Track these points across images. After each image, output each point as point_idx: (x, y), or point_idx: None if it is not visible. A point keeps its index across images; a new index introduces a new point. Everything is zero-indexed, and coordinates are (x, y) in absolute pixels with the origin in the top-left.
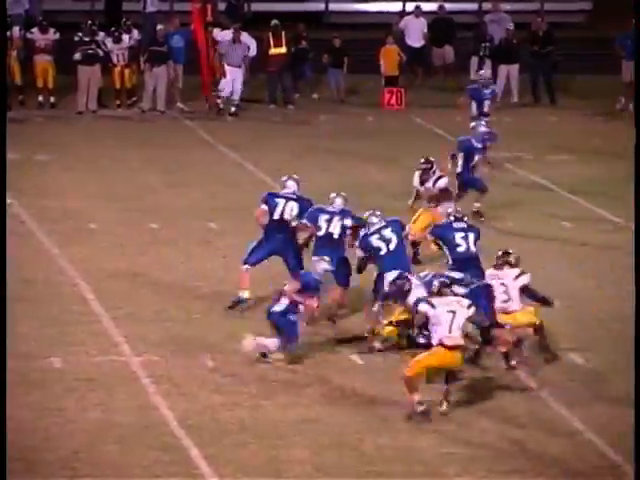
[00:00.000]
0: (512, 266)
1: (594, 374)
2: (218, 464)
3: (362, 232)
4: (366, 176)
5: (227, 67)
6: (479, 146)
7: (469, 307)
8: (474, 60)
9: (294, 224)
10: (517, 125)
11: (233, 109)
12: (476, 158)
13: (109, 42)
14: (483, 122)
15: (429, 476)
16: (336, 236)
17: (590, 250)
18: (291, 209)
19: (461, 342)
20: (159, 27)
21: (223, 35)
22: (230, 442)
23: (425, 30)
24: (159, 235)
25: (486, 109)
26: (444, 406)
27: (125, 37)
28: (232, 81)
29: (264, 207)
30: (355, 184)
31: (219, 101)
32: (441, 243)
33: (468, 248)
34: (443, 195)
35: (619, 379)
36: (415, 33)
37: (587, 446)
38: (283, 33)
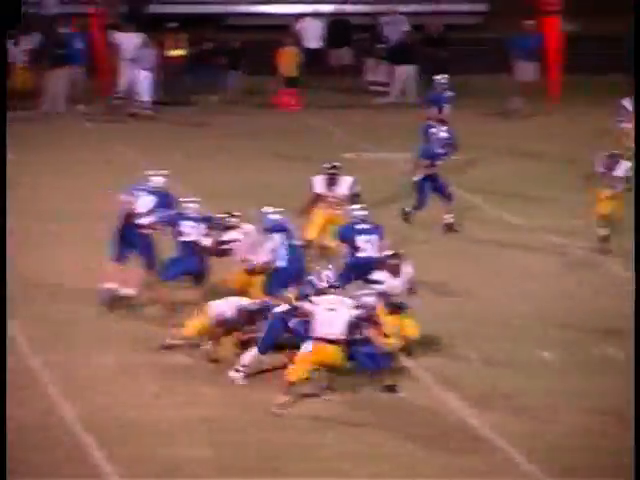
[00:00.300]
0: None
1: (488, 369)
2: (119, 464)
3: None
4: (262, 176)
5: (135, 69)
6: (441, 152)
7: (355, 307)
8: (370, 61)
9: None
10: (412, 125)
11: (135, 110)
12: (437, 164)
13: (9, 44)
14: (444, 128)
15: (326, 473)
16: (201, 243)
17: (487, 249)
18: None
19: (341, 338)
20: (59, 29)
21: (127, 38)
22: (131, 441)
23: (322, 32)
24: (55, 235)
25: (445, 115)
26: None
27: (25, 39)
28: (136, 82)
29: (126, 198)
30: (250, 184)
31: (120, 102)
32: (344, 245)
33: (370, 250)
34: (352, 199)
35: (511, 374)
36: (312, 35)
37: (486, 443)
38: (182, 36)
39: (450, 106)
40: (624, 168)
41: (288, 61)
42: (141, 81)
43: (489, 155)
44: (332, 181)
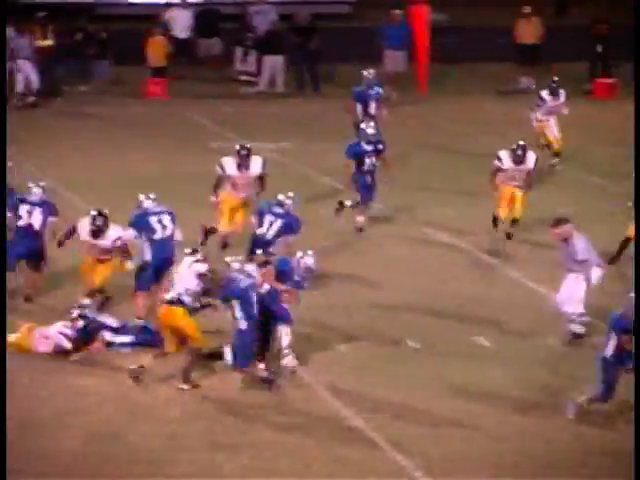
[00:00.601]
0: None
1: (360, 363)
2: None
3: (137, 211)
4: (129, 165)
5: (19, 60)
6: (369, 149)
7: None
8: (239, 51)
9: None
10: (282, 115)
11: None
12: (367, 161)
13: None
14: (371, 124)
15: (196, 464)
16: (37, 227)
17: (356, 236)
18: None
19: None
20: None
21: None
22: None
23: (191, 21)
24: None
25: (372, 111)
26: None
27: None
28: (26, 74)
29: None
30: (117, 173)
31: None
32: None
33: (164, 231)
34: (261, 179)
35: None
36: (181, 24)
37: (352, 432)
38: (50, 26)
39: (376, 103)
40: (532, 160)
41: (156, 51)
42: (29, 71)
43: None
44: (244, 162)
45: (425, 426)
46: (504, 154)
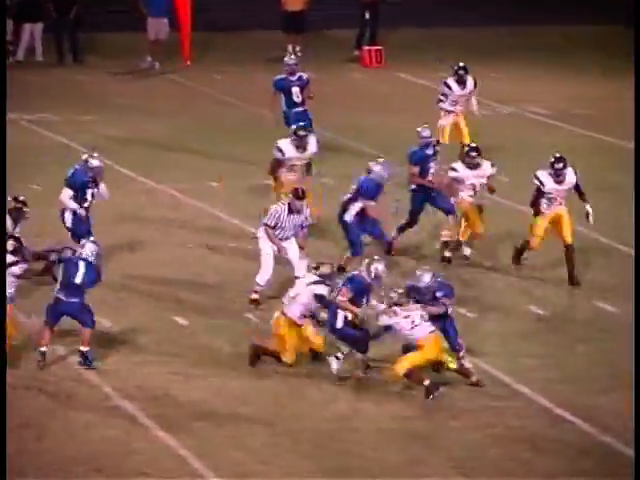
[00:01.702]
0: None
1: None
2: None
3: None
4: None
5: None
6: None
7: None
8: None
9: None
10: (42, 85)
11: None
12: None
13: None
14: (297, 110)
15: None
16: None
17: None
18: None
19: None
20: None
21: None
22: None
23: None
24: None
25: (297, 98)
26: None
27: None
28: None
29: None
30: None
31: None
32: None
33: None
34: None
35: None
36: None
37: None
38: None
39: (300, 90)
40: (572, 175)
41: None
42: None
43: (119, 116)
44: (302, 143)
45: None
46: (543, 174)
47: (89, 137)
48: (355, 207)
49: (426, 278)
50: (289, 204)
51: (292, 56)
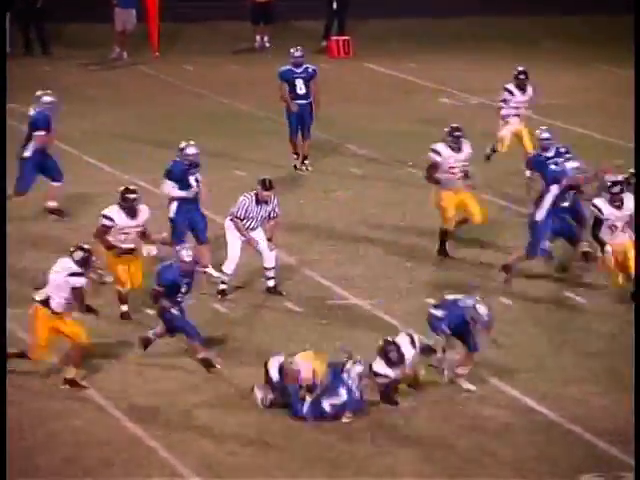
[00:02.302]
0: None
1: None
2: None
3: None
4: None
5: None
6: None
7: None
8: None
9: None
10: (10, 76)
11: None
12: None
13: None
14: (299, 102)
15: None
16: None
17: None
18: None
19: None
20: None
21: None
22: None
23: None
24: None
25: (301, 90)
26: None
27: None
28: None
29: None
30: None
31: None
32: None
33: None
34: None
35: None
36: None
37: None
38: None
39: (304, 82)
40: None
41: None
42: None
43: (88, 107)
44: (458, 144)
45: None
46: (600, 202)
47: (57, 128)
48: (549, 198)
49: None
50: (256, 195)
51: (299, 47)
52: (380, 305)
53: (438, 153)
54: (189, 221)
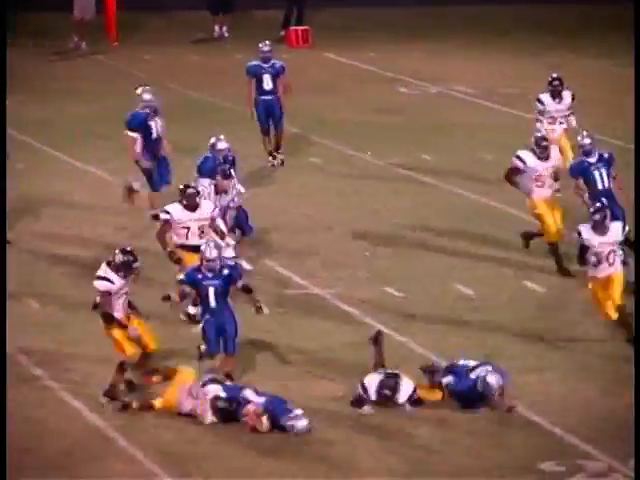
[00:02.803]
0: None
1: None
2: None
3: None
4: None
5: None
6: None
7: None
8: None
9: None
10: None
11: None
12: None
13: None
14: (265, 98)
15: None
16: None
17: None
18: None
19: None
20: None
21: None
22: None
23: None
24: None
25: (268, 86)
26: None
27: None
28: None
29: None
30: None
31: None
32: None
33: None
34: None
35: None
36: None
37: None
38: None
39: (271, 77)
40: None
41: None
42: None
43: (46, 96)
44: (545, 152)
45: None
46: (584, 228)
47: (15, 118)
48: None
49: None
50: (215, 185)
51: (267, 42)
52: (339, 294)
53: (523, 161)
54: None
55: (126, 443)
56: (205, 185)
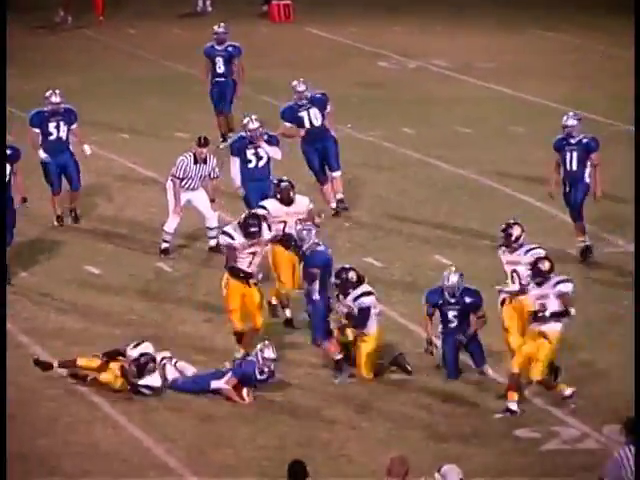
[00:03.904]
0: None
1: None
2: None
3: None
4: None
5: None
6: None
7: None
8: None
9: None
10: None
11: None
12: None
13: None
14: (218, 80)
15: None
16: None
17: None
18: None
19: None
20: None
21: None
22: None
23: None
24: None
25: (220, 69)
26: None
27: None
28: None
29: None
30: None
31: None
32: None
33: None
34: None
35: None
36: None
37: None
38: None
39: (225, 60)
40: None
41: None
42: None
43: (34, 69)
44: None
45: None
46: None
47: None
48: None
49: (453, 278)
50: (194, 154)
51: (222, 24)
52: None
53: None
54: (262, 197)
55: (111, 409)
56: (236, 166)
